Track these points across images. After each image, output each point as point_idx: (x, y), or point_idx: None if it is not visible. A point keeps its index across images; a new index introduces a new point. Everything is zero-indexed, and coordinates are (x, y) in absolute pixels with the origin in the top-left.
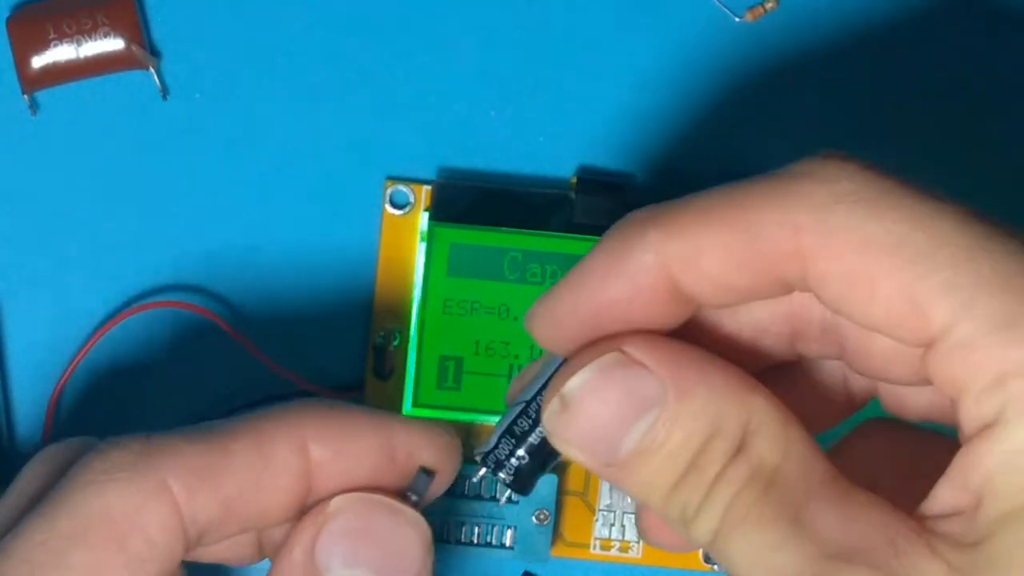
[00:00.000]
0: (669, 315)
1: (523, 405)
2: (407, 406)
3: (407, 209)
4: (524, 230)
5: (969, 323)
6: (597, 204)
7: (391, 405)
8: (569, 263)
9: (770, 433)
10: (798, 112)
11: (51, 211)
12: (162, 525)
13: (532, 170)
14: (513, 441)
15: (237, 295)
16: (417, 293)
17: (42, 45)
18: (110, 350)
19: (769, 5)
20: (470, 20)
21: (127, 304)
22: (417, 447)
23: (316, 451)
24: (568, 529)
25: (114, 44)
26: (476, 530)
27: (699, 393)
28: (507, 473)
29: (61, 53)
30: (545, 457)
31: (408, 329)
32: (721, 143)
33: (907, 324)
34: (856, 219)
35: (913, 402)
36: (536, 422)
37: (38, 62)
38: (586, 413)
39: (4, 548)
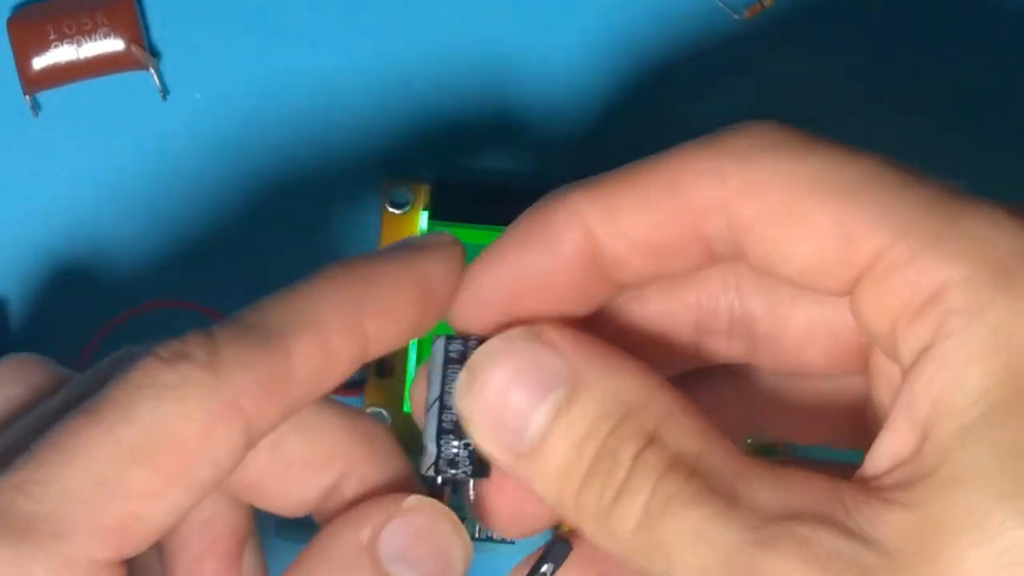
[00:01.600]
0: (590, 291)
1: (438, 401)
2: (408, 405)
3: (406, 208)
4: None
5: (902, 243)
6: None
7: (392, 404)
8: None
9: (684, 425)
10: (797, 109)
11: (51, 211)
12: (230, 448)
13: (532, 169)
14: (450, 436)
15: (238, 294)
16: None
17: (43, 46)
18: (111, 350)
19: (767, 2)
20: (470, 20)
21: (128, 304)
22: (447, 285)
23: (371, 327)
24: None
25: (114, 45)
26: (477, 524)
27: (608, 376)
28: (463, 466)
29: (61, 54)
30: None
31: None
32: None
33: (836, 261)
34: (783, 163)
35: (809, 420)
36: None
37: (39, 63)
38: (493, 387)
39: (65, 450)
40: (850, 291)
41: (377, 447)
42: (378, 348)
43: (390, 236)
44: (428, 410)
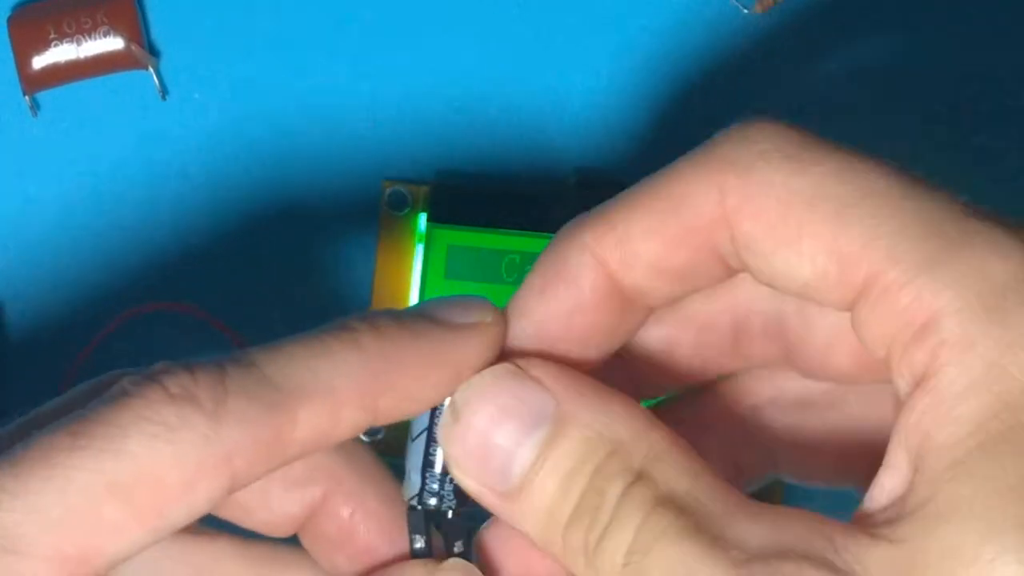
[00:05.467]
0: (618, 322)
1: (425, 433)
2: None
3: (406, 210)
4: (522, 231)
5: (895, 270)
6: (597, 204)
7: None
8: None
9: (673, 462)
10: (808, 104)
11: (51, 211)
12: (210, 497)
13: (531, 171)
14: (434, 470)
15: (237, 297)
16: (415, 295)
17: (43, 45)
18: (111, 352)
19: None
20: (469, 20)
21: (127, 305)
22: (477, 369)
23: (386, 403)
24: None
25: (114, 44)
26: None
27: (594, 413)
28: (447, 500)
29: (61, 53)
30: None
31: None
32: None
33: (834, 280)
34: (779, 175)
35: (817, 465)
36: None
37: (39, 62)
38: (476, 425)
39: (45, 467)
40: (850, 309)
41: (359, 464)
42: (388, 419)
43: (388, 238)
44: (413, 440)
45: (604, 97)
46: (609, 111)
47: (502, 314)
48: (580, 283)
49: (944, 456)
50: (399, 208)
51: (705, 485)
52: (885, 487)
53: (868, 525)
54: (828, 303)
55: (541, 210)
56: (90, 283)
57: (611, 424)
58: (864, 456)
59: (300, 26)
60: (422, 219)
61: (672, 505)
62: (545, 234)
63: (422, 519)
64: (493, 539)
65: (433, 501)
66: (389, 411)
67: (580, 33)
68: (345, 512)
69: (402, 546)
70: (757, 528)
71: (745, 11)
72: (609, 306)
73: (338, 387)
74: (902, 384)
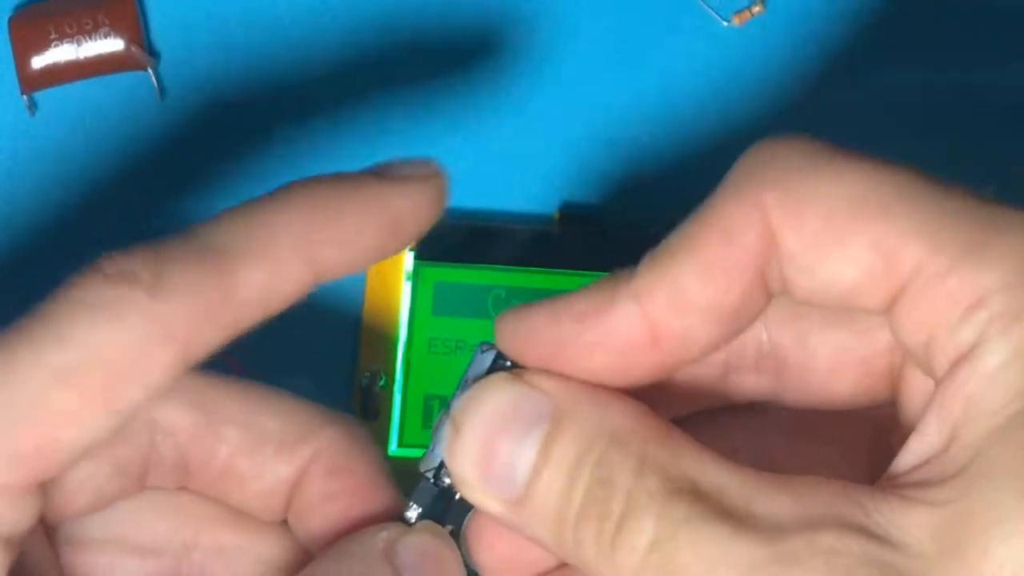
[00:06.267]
0: (642, 368)
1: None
2: (392, 446)
3: None
4: (508, 267)
5: (940, 256)
6: (581, 239)
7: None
8: None
9: (678, 448)
10: (787, 117)
11: (49, 211)
12: (164, 371)
13: (515, 207)
14: None
15: None
16: (403, 333)
17: (42, 45)
18: None
19: (756, 9)
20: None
21: None
22: (417, 220)
23: (326, 254)
24: None
25: (114, 44)
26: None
27: (590, 406)
28: None
29: (61, 53)
30: None
31: (394, 369)
32: (709, 152)
33: (880, 277)
34: (817, 185)
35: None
36: None
37: (38, 62)
38: (476, 433)
39: None
40: (890, 308)
41: (349, 429)
42: (332, 274)
43: (376, 276)
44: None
45: (587, 125)
46: (592, 140)
47: (443, 171)
48: (620, 329)
49: (985, 421)
50: None
51: (717, 465)
52: (915, 452)
53: (894, 487)
54: (870, 305)
55: (526, 245)
56: None
57: (608, 415)
58: (864, 453)
59: (300, 28)
60: (409, 258)
61: (689, 490)
62: (530, 269)
63: (430, 494)
64: (474, 529)
65: (449, 480)
66: (331, 263)
67: (564, 45)
68: (325, 472)
69: (376, 509)
70: (782, 499)
71: (724, 23)
72: (644, 358)
73: (276, 240)
74: (944, 362)
